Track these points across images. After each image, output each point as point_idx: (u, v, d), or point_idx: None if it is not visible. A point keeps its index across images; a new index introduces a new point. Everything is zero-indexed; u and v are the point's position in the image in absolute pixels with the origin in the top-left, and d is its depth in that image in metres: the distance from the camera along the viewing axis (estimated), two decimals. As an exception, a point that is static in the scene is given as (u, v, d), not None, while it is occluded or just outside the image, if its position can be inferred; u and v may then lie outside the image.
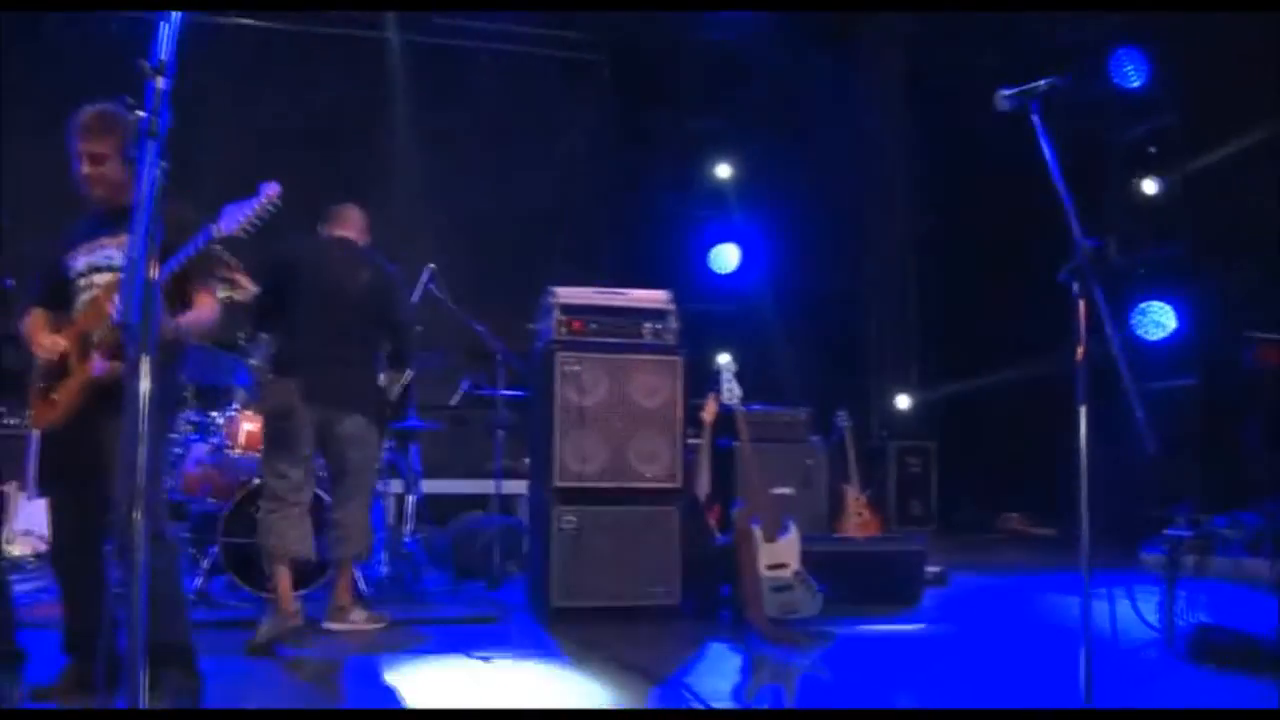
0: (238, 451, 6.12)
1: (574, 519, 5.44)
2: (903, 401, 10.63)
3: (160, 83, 2.06)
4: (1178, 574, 4.94)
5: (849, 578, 5.74)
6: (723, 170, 10.87)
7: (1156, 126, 9.30)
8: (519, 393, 6.73)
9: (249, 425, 6.17)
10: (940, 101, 9.94)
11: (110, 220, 3.86)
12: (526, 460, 6.91)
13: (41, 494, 5.31)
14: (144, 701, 2.20)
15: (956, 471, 9.96)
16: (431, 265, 6.48)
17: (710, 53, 10.65)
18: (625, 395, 5.59)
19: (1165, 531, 5.11)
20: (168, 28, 2.09)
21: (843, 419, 7.86)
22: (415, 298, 6.36)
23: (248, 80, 9.67)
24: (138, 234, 2.09)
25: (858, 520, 7.52)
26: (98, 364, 3.65)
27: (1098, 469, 3.02)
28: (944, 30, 9.95)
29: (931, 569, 6.53)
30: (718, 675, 4.43)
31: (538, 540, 5.70)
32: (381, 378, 5.48)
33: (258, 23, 10.03)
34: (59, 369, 3.76)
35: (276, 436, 5.22)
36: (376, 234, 5.76)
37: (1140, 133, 9.41)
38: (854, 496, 7.57)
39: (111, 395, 3.64)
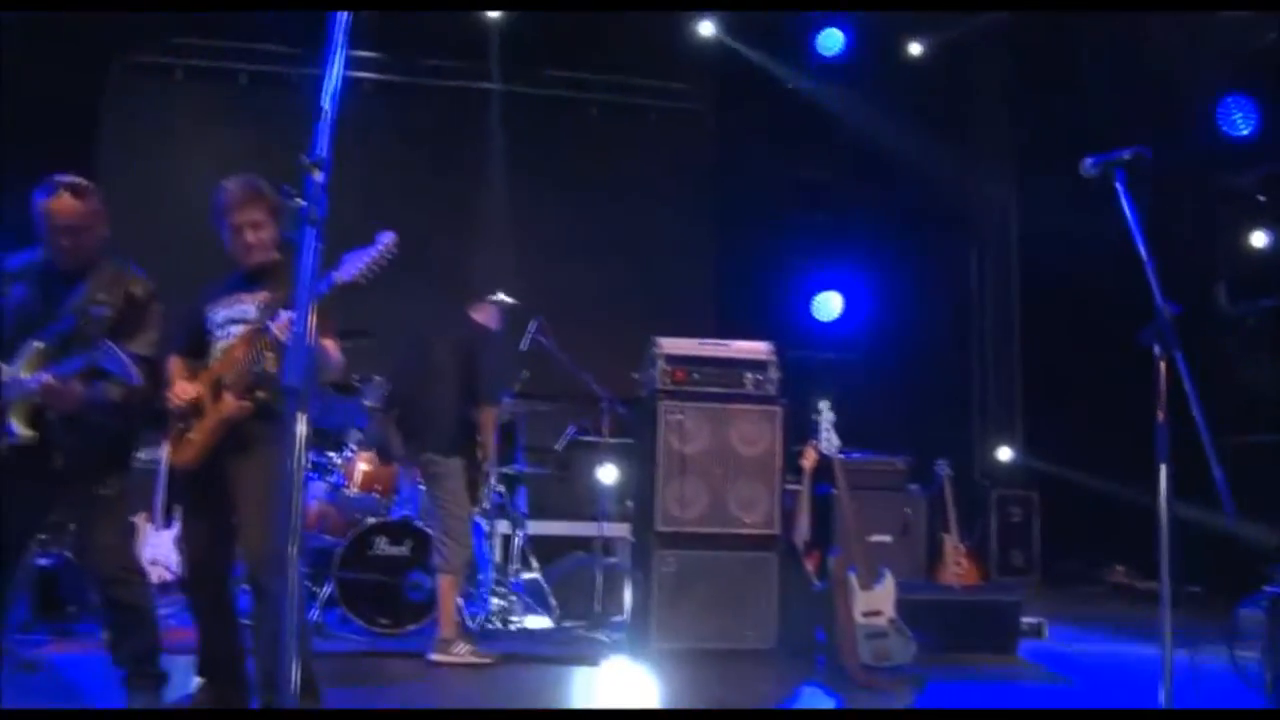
0: (354, 491, 6.49)
1: (674, 562, 5.65)
2: (1004, 453, 10.60)
3: (318, 176, 2.35)
4: (1279, 632, 4.93)
5: (944, 626, 5.83)
6: (824, 217, 11.03)
7: (1266, 175, 9.22)
8: (623, 439, 6.97)
9: (365, 466, 6.52)
10: (1049, 151, 9.96)
11: (250, 279, 4.21)
12: (629, 504, 7.15)
13: (167, 524, 5.72)
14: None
15: (1060, 522, 9.87)
16: (539, 317, 6.75)
17: (813, 101, 10.85)
18: (726, 443, 5.80)
19: (1265, 588, 5.09)
20: (324, 125, 2.38)
21: (942, 468, 7.91)
22: (524, 346, 6.66)
23: (355, 133, 10.17)
24: (299, 310, 2.36)
25: (957, 570, 7.57)
26: (231, 405, 3.97)
27: (1205, 525, 3.11)
28: (1050, 76, 10.01)
29: (1029, 620, 6.57)
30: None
31: (639, 582, 5.92)
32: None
33: (364, 75, 10.54)
34: (194, 410, 4.07)
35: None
36: (492, 283, 6.15)
37: (1249, 182, 9.33)
38: (953, 545, 7.63)
39: (241, 434, 4.01)
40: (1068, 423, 10.12)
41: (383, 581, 6.07)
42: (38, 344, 3.97)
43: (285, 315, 3.79)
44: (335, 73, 2.47)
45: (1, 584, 4.26)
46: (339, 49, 2.60)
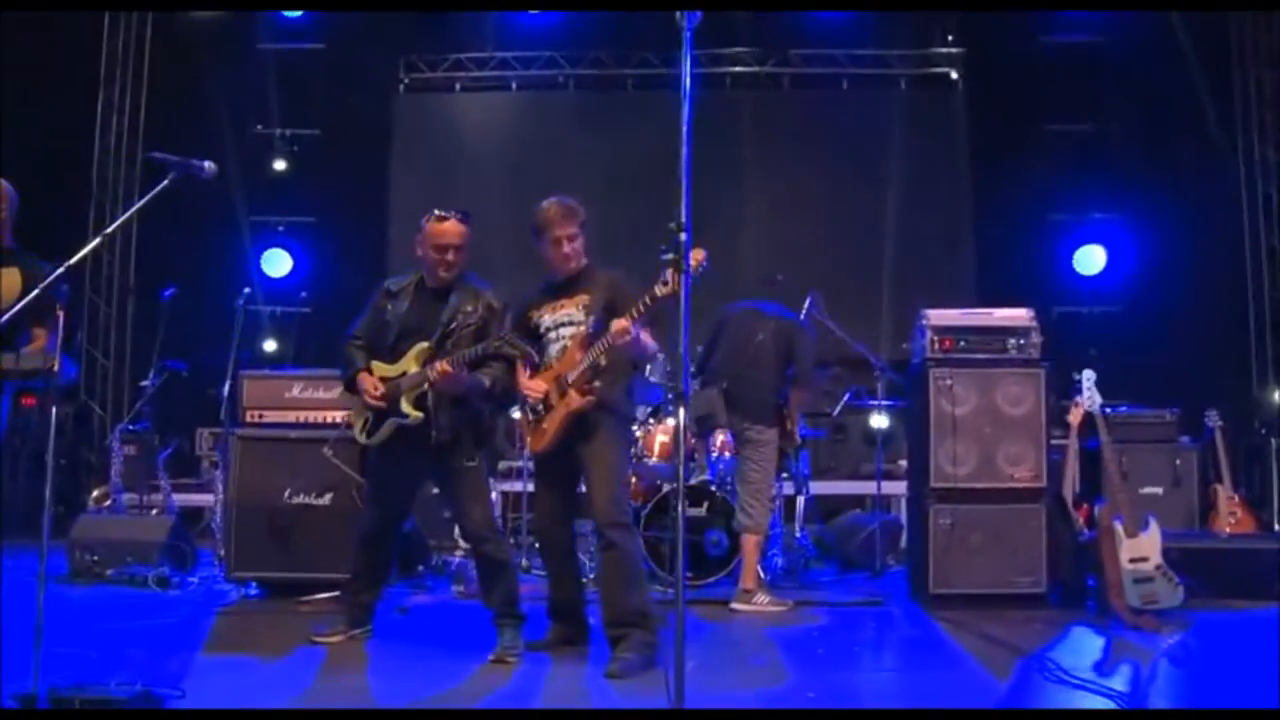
0: (653, 459, 7.42)
1: (949, 515, 6.33)
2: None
3: (682, 235, 3.26)
4: None
5: (1213, 573, 6.27)
6: (1083, 169, 11.24)
7: None
8: (895, 402, 7.67)
9: (663, 437, 7.46)
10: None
11: (565, 286, 5.18)
12: (902, 463, 7.84)
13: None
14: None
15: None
16: (814, 292, 7.43)
17: (1066, 55, 11.05)
18: (993, 404, 6.41)
19: None
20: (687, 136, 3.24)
21: (1212, 419, 8.13)
22: (802, 319, 7.41)
23: (610, 127, 11.15)
24: (683, 344, 3.31)
25: (1231, 520, 7.84)
26: (575, 399, 4.92)
27: None
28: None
29: (1307, 567, 6.87)
30: (1080, 654, 5.16)
31: (916, 534, 6.65)
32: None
33: (616, 72, 11.46)
34: (544, 404, 5.06)
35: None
36: (758, 265, 6.94)
37: None
38: (1226, 496, 7.91)
39: (585, 419, 4.97)
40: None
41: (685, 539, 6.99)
42: (423, 343, 5.05)
43: (618, 324, 4.72)
44: (687, 78, 3.31)
45: (389, 541, 5.43)
46: (688, 55, 3.40)
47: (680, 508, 3.42)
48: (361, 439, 5.25)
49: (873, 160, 11.16)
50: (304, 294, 10.81)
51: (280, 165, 12.08)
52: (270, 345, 11.77)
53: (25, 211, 5.18)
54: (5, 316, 3.89)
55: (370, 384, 5.09)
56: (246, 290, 7.59)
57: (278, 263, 11.87)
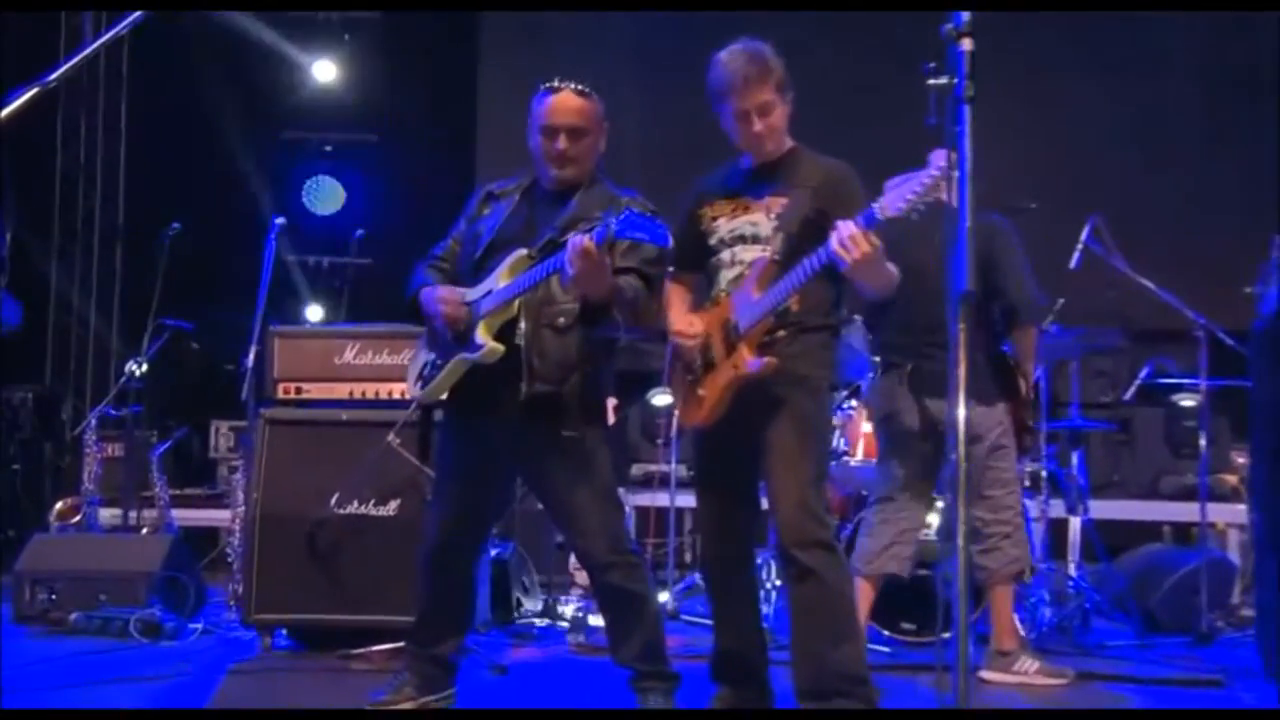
0: (856, 459, 6.71)
1: (1333, 553, 5.49)
2: None
3: (967, 44, 2.78)
4: None
5: None
6: None
7: None
8: (1229, 381, 6.92)
9: (868, 427, 6.64)
10: None
11: (757, 177, 4.49)
12: (1224, 478, 7.00)
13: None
14: None
15: None
16: (1095, 215, 6.65)
17: None
18: (1407, 377, 5.58)
19: None
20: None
21: None
22: (1075, 263, 6.59)
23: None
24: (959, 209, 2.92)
25: None
26: (749, 360, 4.19)
27: None
28: None
29: None
30: None
31: (1271, 582, 5.76)
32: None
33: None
34: (703, 357, 4.37)
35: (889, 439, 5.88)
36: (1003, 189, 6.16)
37: None
38: None
39: (762, 393, 4.27)
40: None
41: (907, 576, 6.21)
42: (521, 250, 4.39)
43: (844, 229, 3.93)
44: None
45: (466, 564, 4.82)
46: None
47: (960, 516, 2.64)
48: (415, 391, 4.73)
49: (1162, 55, 10.64)
50: (360, 235, 10.31)
51: (327, 63, 11.46)
52: (315, 311, 11.24)
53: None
54: None
55: (440, 295, 4.52)
56: (281, 221, 7.05)
57: (326, 195, 11.45)
